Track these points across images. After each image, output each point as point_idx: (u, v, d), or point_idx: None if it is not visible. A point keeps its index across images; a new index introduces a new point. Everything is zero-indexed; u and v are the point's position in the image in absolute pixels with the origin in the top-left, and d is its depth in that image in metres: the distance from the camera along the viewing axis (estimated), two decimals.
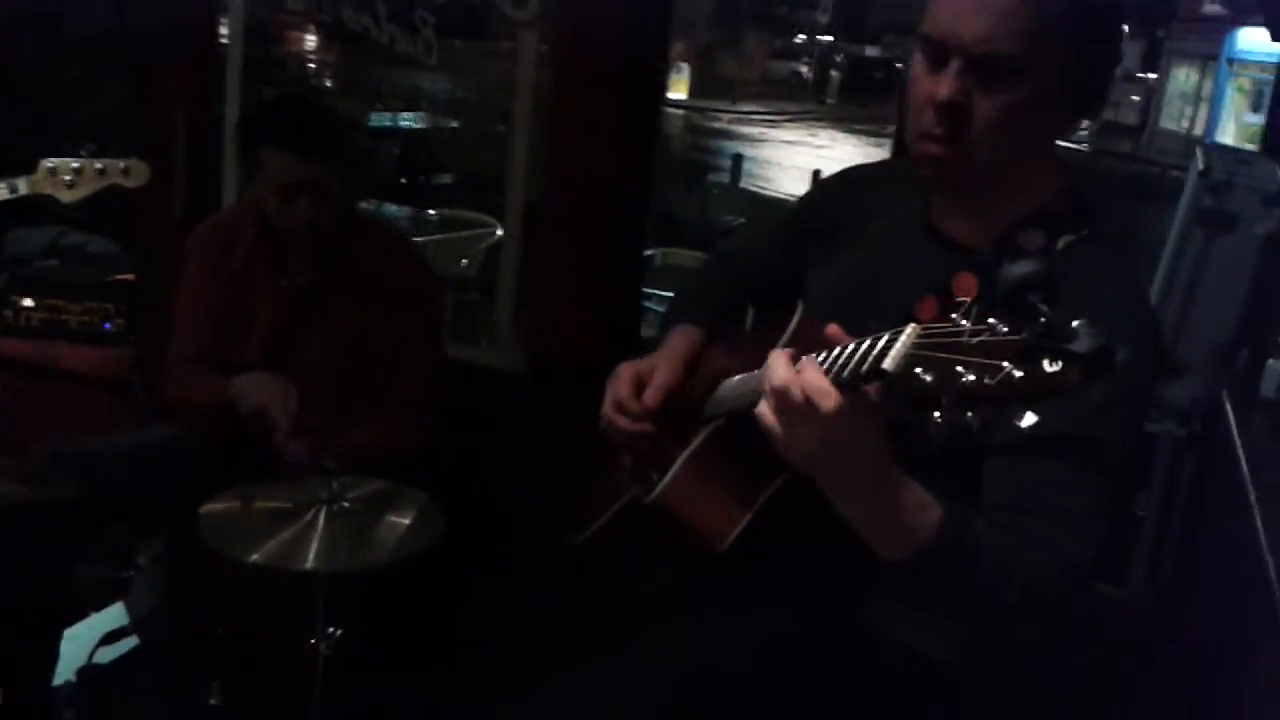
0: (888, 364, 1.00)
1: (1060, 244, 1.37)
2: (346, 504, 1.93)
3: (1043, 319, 0.91)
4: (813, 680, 1.47)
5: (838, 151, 17.56)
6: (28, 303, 3.46)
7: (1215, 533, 2.14)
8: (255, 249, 2.43)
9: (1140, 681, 2.11)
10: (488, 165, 9.20)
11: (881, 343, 1.04)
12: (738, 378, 1.47)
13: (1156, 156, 21.40)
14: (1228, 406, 2.08)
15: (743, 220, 8.99)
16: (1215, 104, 24.09)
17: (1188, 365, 2.36)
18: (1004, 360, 0.90)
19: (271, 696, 1.98)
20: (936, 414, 0.95)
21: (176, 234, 2.77)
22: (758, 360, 1.43)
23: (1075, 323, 0.90)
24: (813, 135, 19.35)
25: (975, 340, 0.94)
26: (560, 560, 1.73)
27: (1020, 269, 0.94)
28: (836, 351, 1.12)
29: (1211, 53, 23.42)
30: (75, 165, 2.12)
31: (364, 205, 5.16)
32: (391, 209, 6.49)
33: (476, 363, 3.06)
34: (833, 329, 1.14)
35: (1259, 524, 1.83)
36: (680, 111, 18.43)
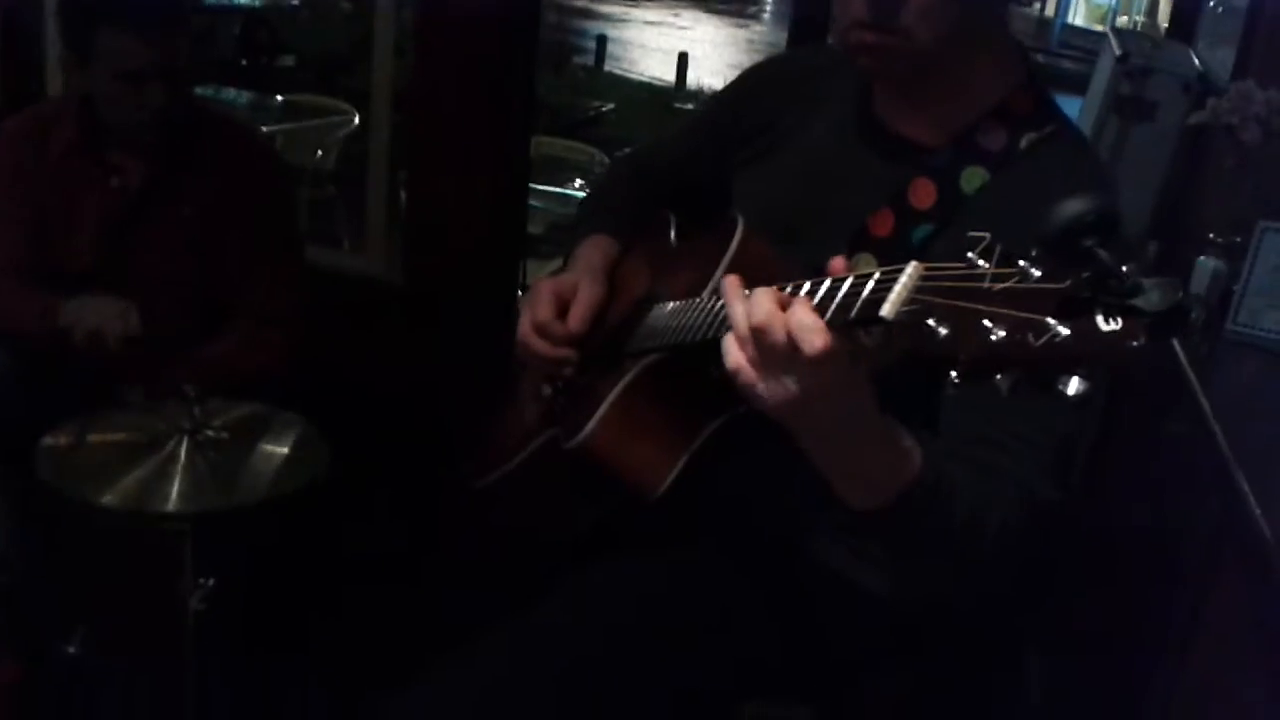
0: (885, 310, 0.80)
1: (1024, 142, 1.22)
2: (211, 432, 1.69)
3: (1100, 267, 0.71)
4: (752, 627, 1.34)
5: (701, 32, 17.22)
6: None
7: (1141, 430, 2.07)
8: (77, 146, 2.12)
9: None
10: (335, 46, 8.70)
11: (872, 283, 0.85)
12: (671, 305, 1.28)
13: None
14: None
15: (611, 106, 8.71)
16: None
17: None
18: (1045, 314, 0.71)
19: (139, 650, 1.74)
20: (954, 374, 0.77)
21: None
22: (690, 281, 1.26)
23: (1145, 279, 0.70)
24: (675, 15, 18.93)
25: (1000, 287, 0.74)
26: (460, 500, 1.54)
27: (1074, 207, 0.72)
28: (809, 286, 0.93)
29: None
30: None
31: (200, 91, 4.76)
32: (231, 94, 6.02)
33: (343, 269, 2.81)
34: (837, 263, 0.93)
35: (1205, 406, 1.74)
36: None
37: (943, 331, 0.76)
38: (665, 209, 1.51)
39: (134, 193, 2.11)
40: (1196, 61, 2.52)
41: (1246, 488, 1.49)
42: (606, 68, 12.47)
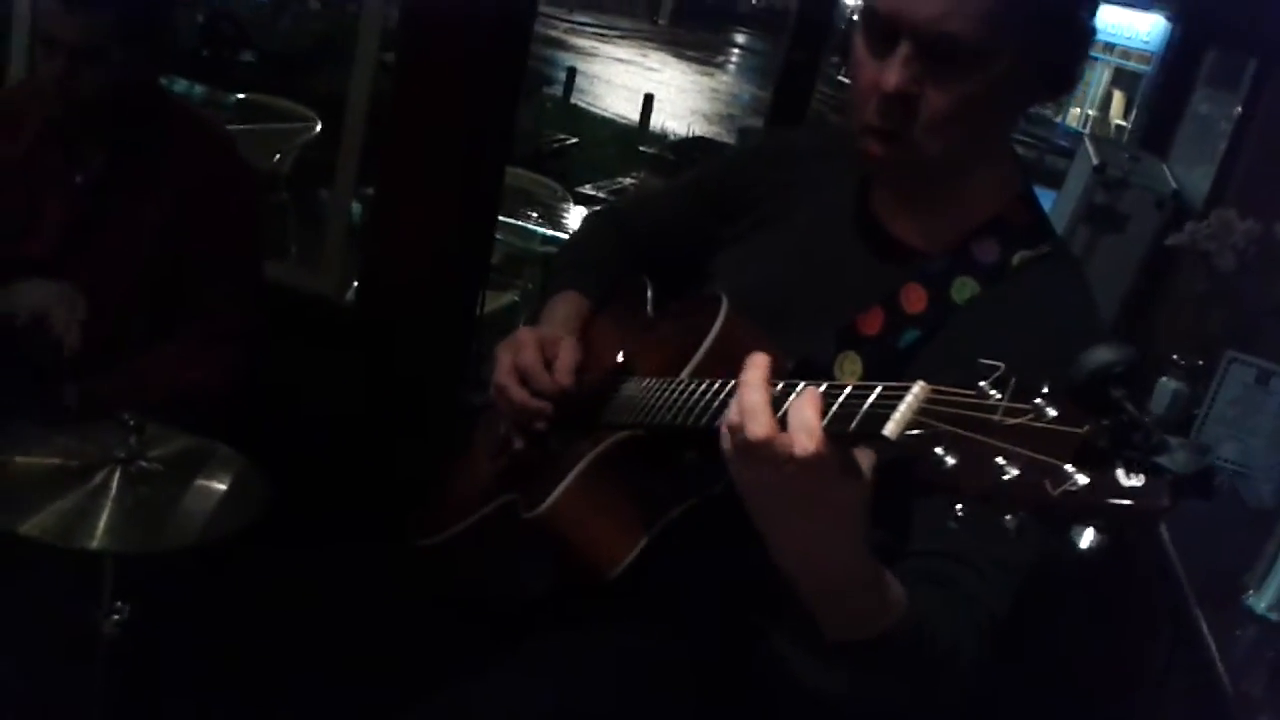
0: (889, 429, 0.76)
1: (1016, 259, 1.20)
2: (146, 464, 1.60)
3: (1124, 417, 0.67)
4: (691, 712, 1.28)
5: (668, 76, 17.34)
6: None
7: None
8: (43, 133, 2.03)
9: None
10: (301, 46, 8.57)
11: (874, 396, 0.81)
12: (649, 381, 1.23)
13: None
14: None
15: (575, 140, 8.69)
16: None
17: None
18: (1064, 460, 0.68)
19: (44, 671, 1.63)
20: (959, 506, 0.73)
21: None
22: (668, 357, 1.21)
23: (1170, 438, 0.67)
24: (644, 56, 19.06)
25: (1013, 422, 0.70)
26: (402, 557, 1.47)
27: (1102, 356, 0.69)
28: (803, 386, 0.88)
29: None
30: None
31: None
32: (182, 85, 5.87)
33: (290, 283, 2.70)
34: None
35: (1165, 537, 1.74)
36: None
37: (950, 461, 0.72)
38: (642, 275, 1.47)
39: (96, 188, 2.02)
40: (1171, 179, 2.55)
41: (1205, 627, 1.48)
42: (573, 100, 12.48)
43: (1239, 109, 2.37)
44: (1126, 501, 0.66)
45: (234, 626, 1.63)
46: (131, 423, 1.58)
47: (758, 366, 0.91)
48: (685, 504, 1.16)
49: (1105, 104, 23.40)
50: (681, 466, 1.03)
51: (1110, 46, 22.95)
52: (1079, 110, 24.02)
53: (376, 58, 2.66)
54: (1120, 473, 0.66)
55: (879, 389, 0.81)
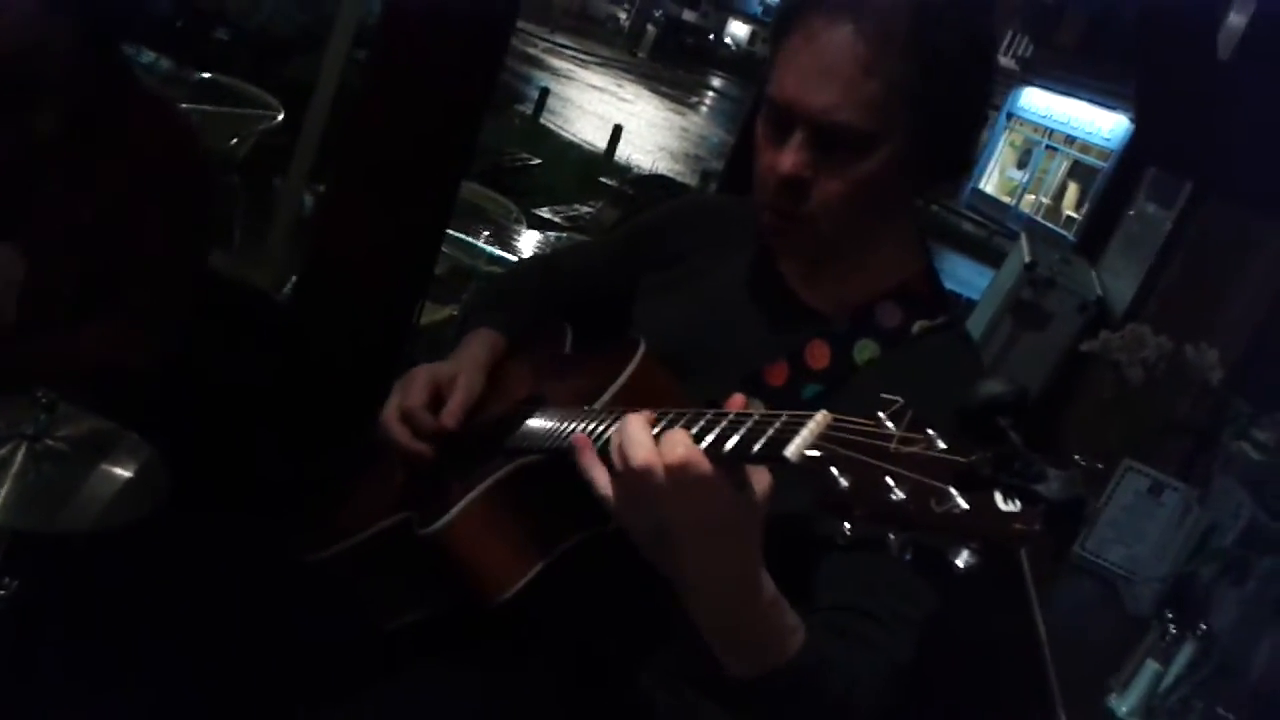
0: (790, 451, 0.81)
1: (915, 328, 1.28)
2: (52, 443, 1.59)
3: (1007, 448, 0.74)
4: None
5: (640, 109, 17.46)
6: None
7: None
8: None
9: None
10: (279, 30, 8.50)
11: (778, 423, 0.86)
12: (555, 415, 1.27)
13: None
14: None
15: (539, 161, 8.71)
16: (986, 153, 25.64)
17: None
18: (947, 484, 0.74)
19: None
20: (847, 526, 0.78)
21: None
22: (581, 391, 1.24)
23: (1050, 469, 0.73)
24: (619, 86, 19.16)
25: (906, 450, 0.77)
26: (290, 569, 1.47)
27: (992, 387, 0.76)
28: (709, 419, 0.94)
29: (993, 103, 24.69)
30: None
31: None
32: (149, 58, 5.79)
33: (230, 275, 2.68)
34: (736, 399, 0.98)
35: (1040, 631, 1.79)
36: None
37: (843, 482, 0.77)
38: (562, 319, 1.51)
39: (44, 145, 1.99)
40: (1097, 285, 2.64)
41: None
42: (543, 120, 12.51)
43: (1169, 227, 2.47)
44: (999, 524, 0.72)
45: (122, 610, 1.63)
46: (43, 400, 1.58)
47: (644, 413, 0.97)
48: (581, 535, 1.18)
49: (1060, 194, 23.95)
50: (582, 498, 1.03)
51: (1071, 139, 23.53)
52: (1034, 197, 24.57)
53: (348, 53, 2.67)
54: (999, 497, 0.72)
55: (784, 416, 0.86)
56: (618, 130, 11.99)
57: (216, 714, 1.41)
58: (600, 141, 12.17)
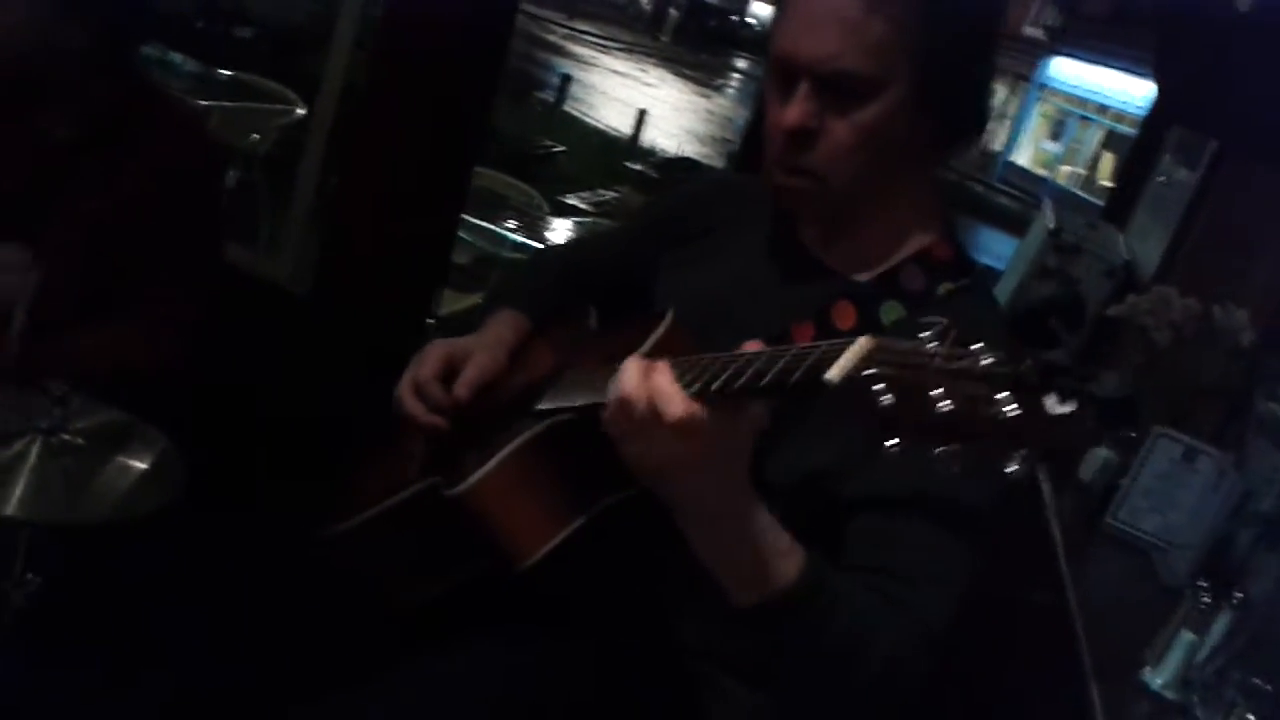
0: (832, 373, 0.81)
1: (941, 289, 1.26)
2: (68, 436, 1.59)
3: (1057, 353, 0.75)
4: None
5: (665, 93, 17.39)
6: None
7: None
8: (18, 97, 2.01)
9: None
10: (299, 22, 8.52)
11: (819, 352, 0.86)
12: (585, 374, 1.25)
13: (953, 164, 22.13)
14: (1044, 484, 2.02)
15: (563, 148, 8.69)
16: (1018, 124, 25.32)
17: None
18: (996, 391, 0.73)
19: None
20: (893, 440, 0.78)
21: None
22: (608, 358, 1.22)
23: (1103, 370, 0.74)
24: (643, 71, 19.10)
25: (953, 366, 0.76)
26: (308, 550, 1.46)
27: (1042, 289, 0.77)
28: (740, 361, 0.96)
29: (1023, 73, 24.45)
30: None
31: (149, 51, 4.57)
32: (177, 59, 5.83)
33: (253, 271, 2.69)
34: (752, 345, 1.02)
35: (1072, 602, 1.76)
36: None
37: (887, 399, 0.77)
38: (586, 303, 1.49)
39: (57, 150, 2.00)
40: (1124, 249, 2.59)
41: (1097, 701, 1.50)
42: (565, 107, 12.48)
43: (1194, 187, 2.41)
44: (1052, 426, 0.72)
45: (140, 603, 1.63)
46: (57, 393, 1.58)
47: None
48: (612, 496, 1.17)
49: (1094, 164, 23.65)
50: (612, 459, 1.04)
51: (1104, 108, 23.22)
52: (1069, 169, 24.28)
53: (353, 45, 2.65)
54: (1051, 401, 0.72)
55: (824, 344, 0.86)
56: (642, 114, 11.94)
57: (235, 703, 1.41)
58: (625, 127, 12.12)
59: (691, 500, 1.03)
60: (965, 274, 1.28)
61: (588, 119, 12.71)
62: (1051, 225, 2.50)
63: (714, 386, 0.96)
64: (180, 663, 1.51)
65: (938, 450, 0.77)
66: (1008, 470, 0.75)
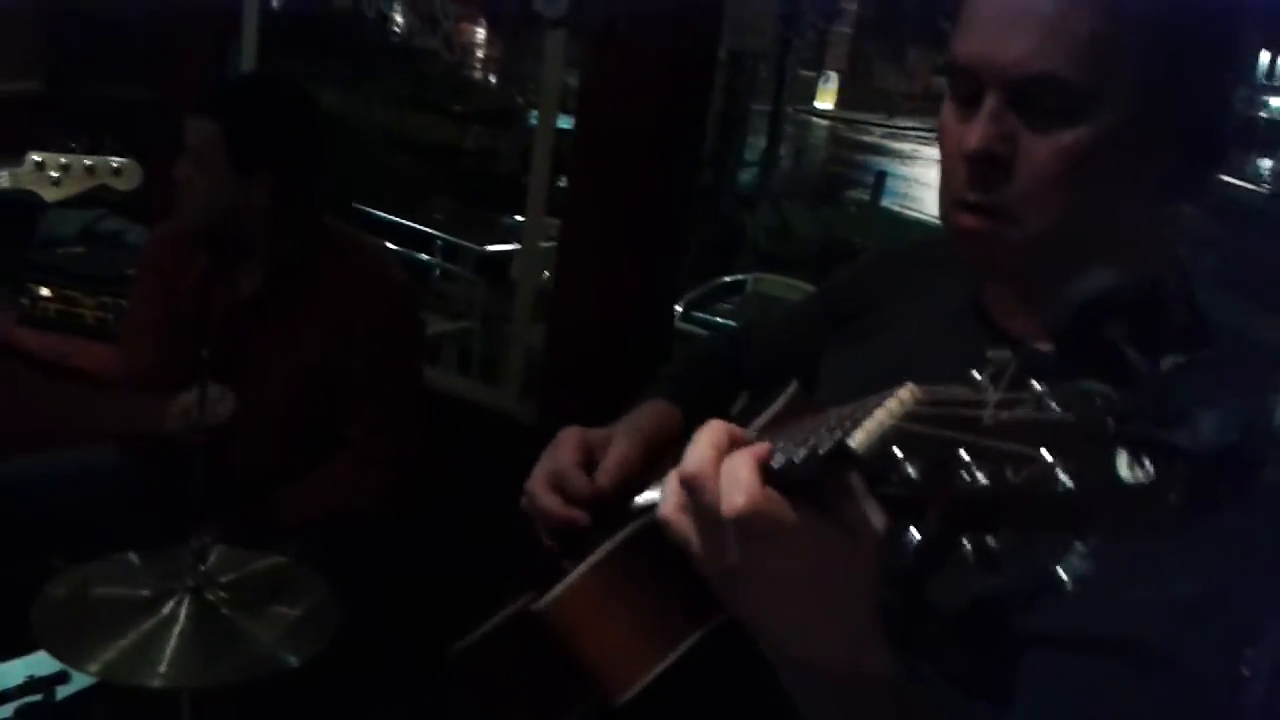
0: (854, 441, 0.60)
1: (1165, 365, 0.93)
2: (221, 591, 1.56)
3: (1122, 375, 0.54)
4: None
5: None
6: (45, 292, 3.23)
7: None
8: (215, 254, 2.14)
9: None
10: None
11: (858, 413, 0.65)
12: None
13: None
14: None
15: (867, 245, 8.50)
16: None
17: None
18: (1040, 445, 0.51)
19: None
20: (916, 535, 0.57)
21: None
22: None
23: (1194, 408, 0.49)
24: None
25: (1005, 416, 0.54)
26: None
27: (1096, 281, 0.58)
28: (813, 429, 0.72)
29: None
30: (63, 161, 1.76)
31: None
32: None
33: (469, 399, 2.72)
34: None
35: None
36: (825, 122, 17.75)
37: (909, 469, 0.56)
38: (741, 388, 1.29)
39: (252, 305, 2.10)
40: None
41: None
42: (884, 203, 12.29)
43: None
44: (1123, 502, 0.49)
45: None
46: (201, 546, 1.56)
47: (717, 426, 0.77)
48: (719, 616, 0.93)
49: None
50: None
51: None
52: None
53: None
54: (1122, 464, 0.49)
55: (870, 401, 0.66)
56: None
57: None
58: None
59: (780, 630, 0.76)
60: (1205, 344, 0.96)
61: (909, 212, 12.42)
62: None
63: (776, 465, 0.71)
64: None
65: (965, 544, 0.55)
66: (1064, 576, 0.51)
